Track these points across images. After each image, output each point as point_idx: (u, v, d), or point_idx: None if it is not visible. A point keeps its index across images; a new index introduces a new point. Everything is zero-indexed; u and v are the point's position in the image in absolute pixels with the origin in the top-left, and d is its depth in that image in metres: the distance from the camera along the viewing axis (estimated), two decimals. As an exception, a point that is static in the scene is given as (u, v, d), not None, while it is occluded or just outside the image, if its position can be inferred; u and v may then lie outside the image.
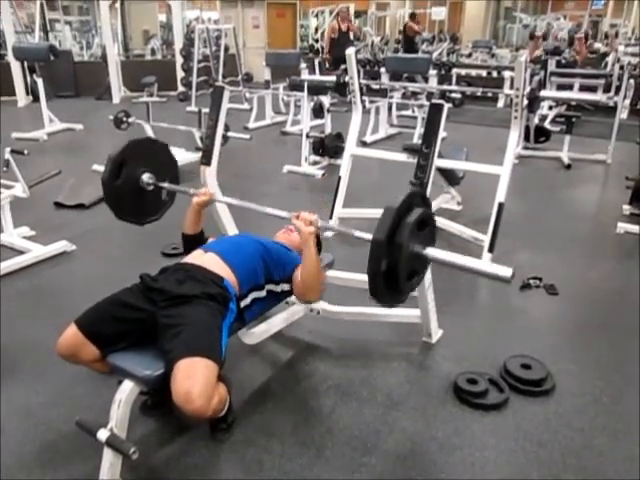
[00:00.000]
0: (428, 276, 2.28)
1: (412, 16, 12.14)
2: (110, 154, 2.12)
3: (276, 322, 2.29)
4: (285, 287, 2.07)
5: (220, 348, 1.69)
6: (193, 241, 2.20)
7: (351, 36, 10.40)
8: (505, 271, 1.47)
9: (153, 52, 13.24)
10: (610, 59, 9.97)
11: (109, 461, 1.62)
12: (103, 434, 1.60)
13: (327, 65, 10.21)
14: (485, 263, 1.53)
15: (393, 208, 1.48)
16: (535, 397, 2.13)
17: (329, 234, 3.72)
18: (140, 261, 3.16)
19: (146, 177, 2.19)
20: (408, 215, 1.51)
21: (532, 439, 1.91)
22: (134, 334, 1.76)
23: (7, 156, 3.30)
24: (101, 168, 2.14)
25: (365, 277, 2.62)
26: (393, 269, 1.50)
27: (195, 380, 1.53)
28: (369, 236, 1.55)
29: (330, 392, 2.16)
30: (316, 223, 1.88)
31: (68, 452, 1.83)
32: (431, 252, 1.58)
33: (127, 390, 1.65)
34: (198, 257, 1.97)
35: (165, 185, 2.25)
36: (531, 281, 3.06)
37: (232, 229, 2.62)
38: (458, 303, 2.89)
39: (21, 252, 3.34)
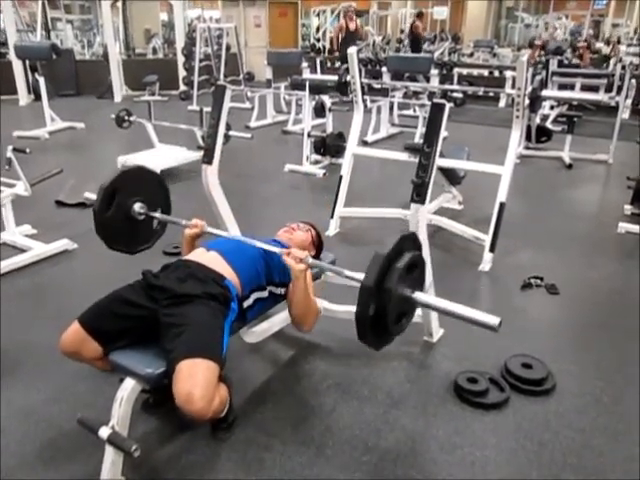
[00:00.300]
0: (429, 275, 2.28)
1: (419, 15, 12.11)
2: (102, 184, 2.10)
3: (277, 321, 2.29)
4: (283, 291, 2.08)
5: (221, 349, 1.69)
6: None
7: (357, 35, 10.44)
8: (493, 320, 1.48)
9: (155, 51, 13.25)
10: (612, 60, 9.98)
11: (111, 459, 1.63)
12: (105, 432, 1.60)
13: (329, 64, 10.22)
14: (472, 311, 1.55)
15: (382, 255, 1.49)
16: (536, 397, 2.13)
17: (331, 232, 3.72)
18: (141, 259, 3.15)
19: (137, 207, 2.16)
20: (398, 260, 1.52)
21: (532, 438, 1.91)
22: (136, 331, 1.76)
23: (9, 154, 3.31)
24: (93, 196, 2.13)
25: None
26: (381, 313, 1.51)
27: (196, 381, 1.54)
28: (360, 276, 1.56)
29: (331, 391, 2.16)
30: (306, 260, 1.87)
31: (70, 450, 1.83)
32: (419, 297, 1.59)
33: (129, 388, 1.65)
34: (200, 255, 1.98)
35: (157, 215, 2.23)
36: (532, 281, 3.06)
37: (234, 229, 2.62)
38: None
39: (23, 250, 3.34)
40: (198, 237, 2.18)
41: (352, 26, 10.19)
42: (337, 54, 10.53)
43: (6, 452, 1.83)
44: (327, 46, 15.25)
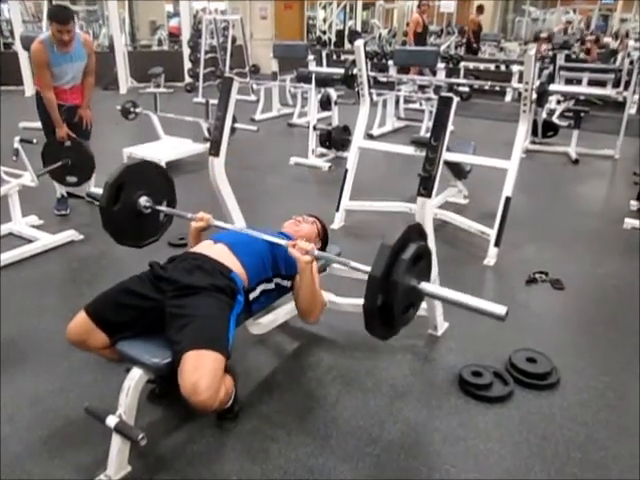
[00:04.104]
0: (434, 269, 2.28)
1: (480, 9, 12.03)
2: (107, 181, 2.11)
3: (283, 313, 2.30)
4: (289, 284, 2.09)
5: (227, 340, 1.71)
6: None
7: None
8: (499, 309, 1.48)
9: (160, 43, 13.23)
10: (620, 54, 9.92)
11: (117, 447, 1.65)
12: (112, 420, 1.62)
13: (335, 57, 10.16)
14: (479, 300, 1.54)
15: (389, 246, 1.49)
16: (540, 390, 2.14)
17: (336, 225, 3.73)
18: (147, 251, 3.17)
19: (143, 200, 2.17)
20: (404, 251, 1.53)
21: (536, 432, 1.92)
22: (142, 322, 1.78)
23: (17, 145, 3.33)
24: (99, 190, 2.14)
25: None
26: (389, 304, 1.52)
27: (202, 373, 1.55)
28: (366, 268, 1.56)
29: (335, 383, 2.17)
30: (312, 252, 1.88)
31: (76, 438, 1.85)
32: (426, 287, 1.60)
33: (136, 377, 1.67)
34: (207, 247, 1.98)
35: (162, 208, 2.24)
36: (537, 275, 3.06)
37: (240, 221, 2.63)
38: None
39: (29, 241, 3.36)
40: (204, 230, 2.20)
41: (427, 20, 10.12)
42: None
43: (14, 439, 1.85)
44: (333, 39, 15.21)
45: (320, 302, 2.04)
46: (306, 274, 1.90)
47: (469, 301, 1.55)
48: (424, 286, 1.60)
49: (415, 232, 1.63)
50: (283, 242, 1.93)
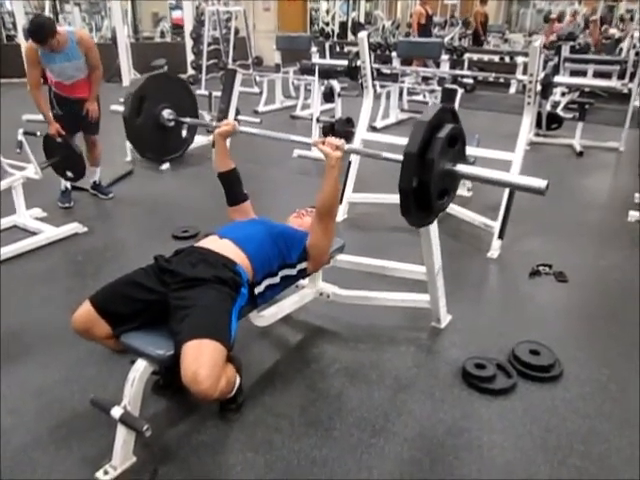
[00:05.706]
0: (438, 261, 2.28)
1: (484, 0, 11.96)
2: (129, 91, 2.13)
3: (286, 305, 2.30)
4: (302, 266, 2.10)
5: (229, 331, 1.71)
6: (229, 179, 2.26)
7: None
8: (540, 183, 1.42)
9: (162, 34, 13.19)
10: (625, 45, 9.83)
11: (122, 438, 1.66)
12: (117, 411, 1.64)
13: (338, 49, 10.11)
14: (518, 176, 1.50)
15: (425, 122, 1.44)
16: (543, 383, 2.14)
17: (339, 218, 3.72)
18: (151, 243, 3.19)
19: (166, 113, 2.19)
20: (439, 130, 1.48)
21: (539, 424, 1.93)
22: (146, 314, 1.78)
23: (20, 137, 3.33)
24: (120, 108, 2.16)
25: (374, 261, 2.63)
26: (425, 186, 1.47)
27: (203, 362, 1.56)
28: (398, 157, 1.53)
29: (339, 375, 2.18)
30: (343, 147, 1.87)
31: (82, 430, 1.86)
32: (462, 168, 1.55)
33: (140, 369, 1.68)
34: (213, 242, 1.99)
35: (186, 120, 2.26)
36: (541, 268, 3.06)
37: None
38: (467, 289, 2.90)
39: (34, 233, 3.37)
40: (229, 136, 2.24)
41: (430, 10, 10.06)
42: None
43: (21, 429, 1.86)
44: (336, 30, 15.14)
45: (337, 201, 2.07)
46: (334, 172, 1.91)
47: (507, 178, 1.53)
48: (460, 167, 1.55)
49: (449, 114, 1.57)
50: (309, 140, 1.92)
